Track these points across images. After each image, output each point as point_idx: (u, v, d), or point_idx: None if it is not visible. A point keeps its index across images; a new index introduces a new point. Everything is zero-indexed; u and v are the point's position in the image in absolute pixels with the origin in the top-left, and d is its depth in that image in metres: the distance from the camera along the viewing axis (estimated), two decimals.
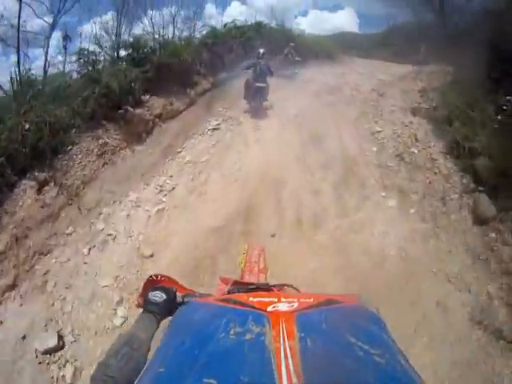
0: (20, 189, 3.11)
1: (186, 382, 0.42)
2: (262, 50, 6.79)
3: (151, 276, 0.97)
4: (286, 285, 0.98)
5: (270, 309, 0.56)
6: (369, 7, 10.89)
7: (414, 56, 9.80)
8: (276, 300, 0.59)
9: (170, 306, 0.85)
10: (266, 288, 0.94)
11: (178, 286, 0.98)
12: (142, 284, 0.95)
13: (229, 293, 0.91)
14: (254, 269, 1.55)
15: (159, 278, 0.98)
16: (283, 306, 0.57)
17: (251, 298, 0.60)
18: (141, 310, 0.86)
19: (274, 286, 0.97)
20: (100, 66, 4.68)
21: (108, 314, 2.52)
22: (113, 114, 4.22)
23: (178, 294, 0.91)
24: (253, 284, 1.01)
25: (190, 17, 7.21)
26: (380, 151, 4.30)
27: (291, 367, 0.43)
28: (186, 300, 0.89)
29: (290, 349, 0.46)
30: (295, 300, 0.58)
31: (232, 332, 0.50)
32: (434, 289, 2.66)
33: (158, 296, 0.86)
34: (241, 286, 0.97)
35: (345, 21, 8.97)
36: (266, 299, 0.59)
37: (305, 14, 9.41)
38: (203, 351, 0.47)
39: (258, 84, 6.53)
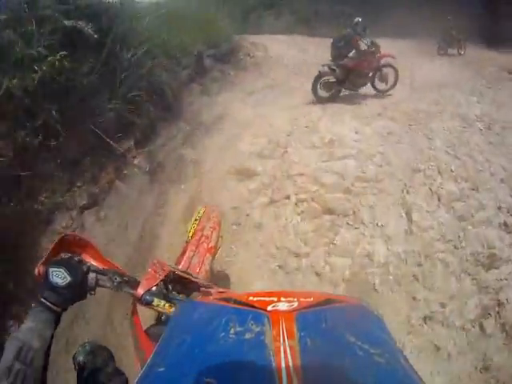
0: None
1: (186, 381, 0.44)
2: (356, 19, 5.81)
3: (65, 235, 0.81)
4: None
5: (269, 308, 0.57)
6: None
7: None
8: (276, 299, 0.59)
9: (75, 292, 0.71)
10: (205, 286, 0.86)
11: (96, 258, 0.83)
12: (51, 245, 0.76)
13: (156, 286, 0.81)
14: (203, 245, 1.35)
15: (76, 240, 0.83)
16: (283, 306, 0.58)
17: (251, 298, 0.61)
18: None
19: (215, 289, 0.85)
20: None
21: None
22: None
23: (92, 275, 0.75)
24: (191, 279, 0.90)
25: None
26: None
27: (291, 366, 0.44)
28: (100, 283, 0.75)
29: (290, 348, 0.47)
30: (295, 299, 0.59)
31: (232, 331, 0.52)
32: None
33: (60, 277, 0.69)
34: (176, 278, 0.87)
35: None
36: (266, 298, 0.60)
37: None
38: (203, 351, 0.50)
39: (321, 67, 5.63)
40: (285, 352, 0.48)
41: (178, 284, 0.89)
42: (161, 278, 0.84)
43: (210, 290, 0.88)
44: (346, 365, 0.47)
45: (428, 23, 10.08)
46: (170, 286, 0.86)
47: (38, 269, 0.74)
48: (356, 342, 0.51)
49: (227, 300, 0.64)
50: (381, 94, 5.83)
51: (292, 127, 4.50)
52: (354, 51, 5.38)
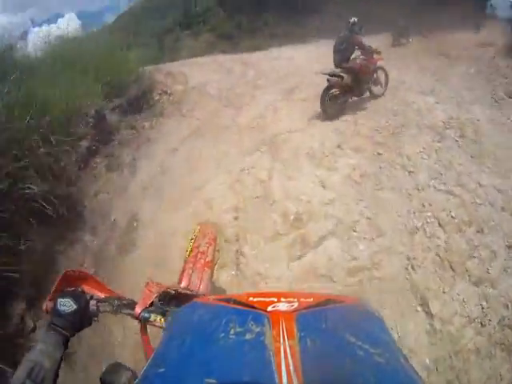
0: None
1: (186, 381, 0.49)
2: (352, 19, 5.54)
3: (67, 271, 0.98)
4: None
5: (269, 308, 0.63)
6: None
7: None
8: (276, 300, 0.66)
9: (81, 318, 0.88)
10: None
11: (96, 287, 1.02)
12: (56, 282, 0.96)
13: (152, 305, 0.96)
14: (200, 261, 1.50)
15: (77, 274, 1.00)
16: (283, 306, 0.64)
17: (251, 298, 0.68)
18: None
19: None
20: None
21: None
22: None
23: (93, 302, 0.93)
24: (190, 294, 1.04)
25: None
26: None
27: (291, 367, 0.48)
28: (101, 309, 0.94)
29: (290, 348, 0.52)
30: (295, 300, 0.66)
31: (232, 332, 0.57)
32: None
33: (66, 305, 0.85)
34: (171, 294, 1.00)
35: (68, 27, 7.49)
36: (266, 299, 0.67)
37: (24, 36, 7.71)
38: (203, 351, 0.55)
39: (320, 71, 5.47)
40: (285, 352, 0.51)
41: (180, 301, 0.98)
42: (155, 295, 0.97)
43: None
44: (347, 365, 0.51)
45: (371, 18, 10.17)
46: (170, 303, 0.98)
47: (46, 304, 0.89)
48: (356, 342, 0.54)
49: (227, 300, 0.70)
50: (376, 97, 6.14)
51: (238, 200, 3.83)
52: (355, 52, 5.66)
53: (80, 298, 0.87)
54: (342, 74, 5.34)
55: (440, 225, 3.36)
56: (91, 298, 0.92)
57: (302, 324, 0.57)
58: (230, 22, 13.33)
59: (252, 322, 0.57)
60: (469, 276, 2.96)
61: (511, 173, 4.07)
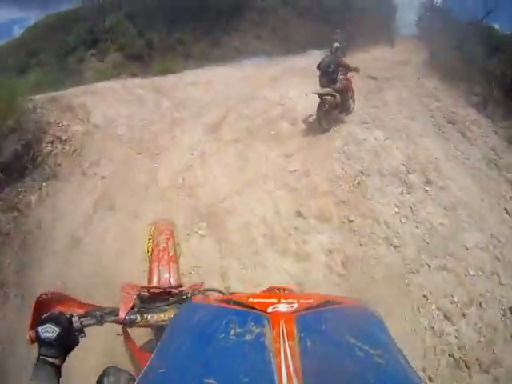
0: None
1: (186, 382, 0.50)
2: (335, 45, 6.24)
3: (39, 296, 0.96)
4: (200, 290, 1.14)
5: (269, 310, 0.64)
6: None
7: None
8: (276, 301, 0.68)
9: (68, 339, 0.86)
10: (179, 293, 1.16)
11: (73, 305, 1.01)
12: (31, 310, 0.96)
13: (134, 306, 1.01)
14: (164, 258, 1.54)
15: (50, 296, 0.99)
16: (283, 307, 0.65)
17: (251, 299, 0.69)
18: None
19: (186, 292, 1.13)
20: None
21: None
22: None
23: (75, 318, 0.92)
24: (162, 289, 1.12)
25: None
26: None
27: (291, 368, 0.48)
28: (84, 323, 0.94)
29: (290, 349, 0.52)
30: (295, 301, 0.67)
31: (232, 333, 0.57)
32: None
33: (49, 331, 0.81)
34: (145, 295, 1.09)
35: None
36: (266, 300, 0.69)
37: None
38: (203, 352, 0.55)
39: (314, 91, 5.93)
40: (285, 353, 0.51)
41: (155, 300, 1.06)
42: (135, 295, 1.01)
43: (184, 290, 1.10)
44: (347, 366, 0.51)
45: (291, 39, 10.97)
46: (148, 303, 1.09)
47: (29, 335, 0.86)
48: (356, 343, 0.55)
49: (227, 302, 0.72)
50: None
51: None
52: (339, 74, 6.50)
53: (61, 319, 0.85)
54: (334, 94, 6.09)
55: (446, 317, 3.03)
56: (71, 315, 0.91)
57: (302, 325, 0.58)
58: (141, 40, 12.54)
59: (252, 323, 0.58)
60: (479, 365, 2.76)
61: (485, 223, 4.28)
